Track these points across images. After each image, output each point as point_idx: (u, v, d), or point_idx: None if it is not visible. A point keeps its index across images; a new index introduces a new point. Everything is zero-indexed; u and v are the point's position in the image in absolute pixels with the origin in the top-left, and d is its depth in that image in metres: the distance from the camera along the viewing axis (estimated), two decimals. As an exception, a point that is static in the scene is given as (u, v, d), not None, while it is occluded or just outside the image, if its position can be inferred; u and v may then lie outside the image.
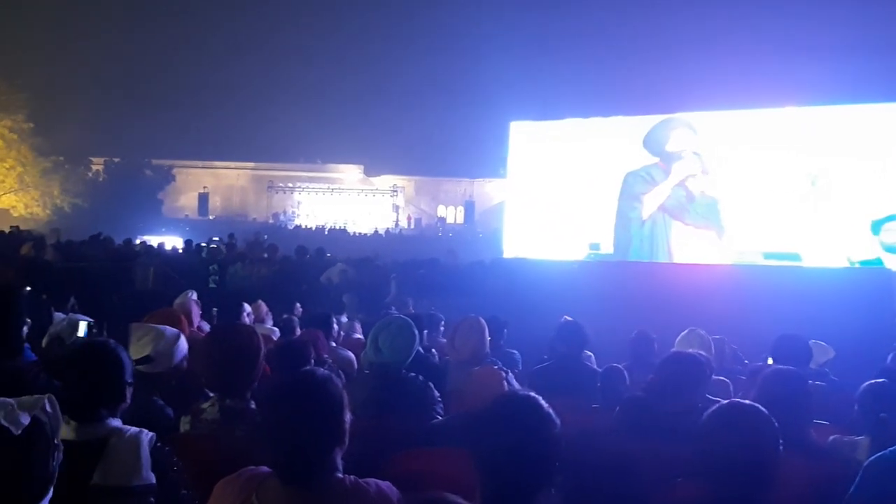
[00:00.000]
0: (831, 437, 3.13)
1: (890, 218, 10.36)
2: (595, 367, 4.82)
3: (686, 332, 5.03)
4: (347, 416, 1.92)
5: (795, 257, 10.30)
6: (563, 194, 12.55)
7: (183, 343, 3.16)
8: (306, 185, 36.92)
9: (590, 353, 5.20)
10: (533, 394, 1.90)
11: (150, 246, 14.95)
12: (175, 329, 3.23)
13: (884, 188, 10.48)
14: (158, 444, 2.16)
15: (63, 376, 2.30)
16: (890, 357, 4.85)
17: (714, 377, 4.17)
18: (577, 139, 12.69)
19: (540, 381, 4.32)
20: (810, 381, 4.24)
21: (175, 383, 3.12)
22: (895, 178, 10.48)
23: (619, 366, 4.28)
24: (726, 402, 2.10)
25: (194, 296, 5.21)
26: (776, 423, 1.98)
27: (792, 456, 2.45)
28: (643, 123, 12.39)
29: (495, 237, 15.35)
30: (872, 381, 3.17)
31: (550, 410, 1.84)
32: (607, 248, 12.24)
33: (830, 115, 11.08)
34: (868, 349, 6.05)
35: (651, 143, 11.84)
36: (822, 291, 8.67)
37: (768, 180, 11.04)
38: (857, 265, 10.21)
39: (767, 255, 10.45)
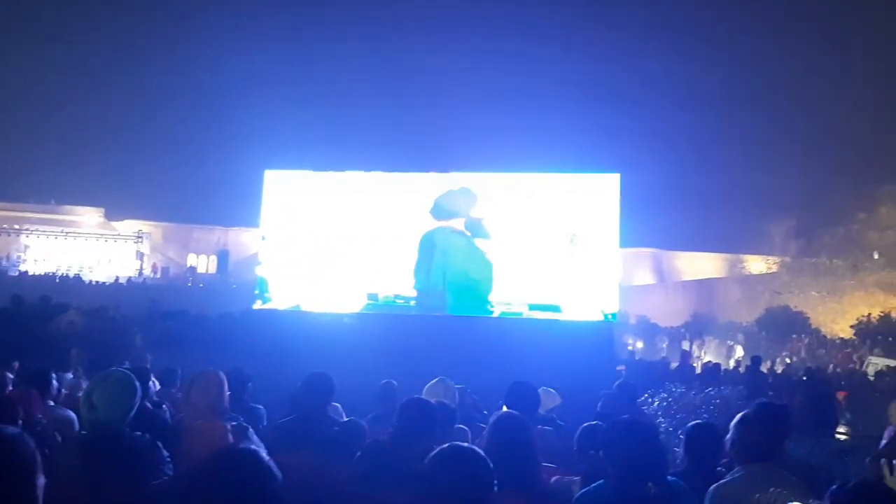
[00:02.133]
0: (554, 478, 3.36)
1: None
2: (342, 419, 4.78)
3: (435, 380, 5.20)
4: (40, 480, 1.70)
5: (556, 308, 11.26)
6: (320, 246, 12.53)
7: None
8: (36, 227, 33.39)
9: (337, 405, 5.16)
10: (253, 447, 1.82)
11: None
12: None
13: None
14: None
15: None
16: (600, 403, 5.35)
17: (457, 425, 4.35)
18: (334, 191, 12.79)
19: (283, 436, 4.19)
20: (539, 426, 4.57)
21: None
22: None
23: (359, 420, 4.29)
24: (446, 445, 2.17)
25: None
26: (491, 465, 2.07)
27: (517, 496, 2.59)
28: (403, 180, 12.81)
29: (250, 288, 14.88)
30: (587, 423, 3.47)
31: (271, 464, 1.77)
32: (385, 298, 12.36)
33: (582, 181, 12.21)
34: (594, 394, 6.65)
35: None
36: (552, 342, 9.47)
37: (533, 238, 11.87)
38: (610, 317, 11.40)
39: (532, 307, 11.33)
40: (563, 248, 11.75)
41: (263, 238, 13.11)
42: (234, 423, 3.76)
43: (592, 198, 11.83)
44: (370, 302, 12.21)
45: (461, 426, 4.59)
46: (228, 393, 4.10)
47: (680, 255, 48.63)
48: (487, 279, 11.84)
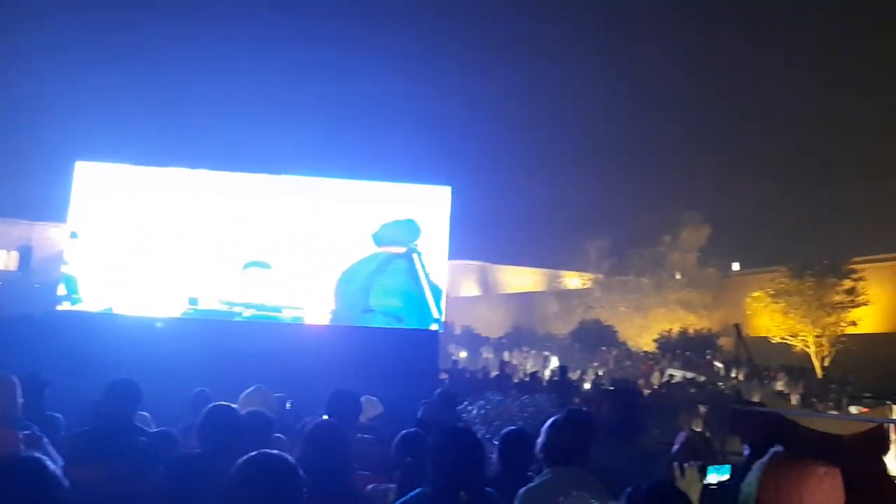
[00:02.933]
0: (370, 486, 3.37)
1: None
2: (150, 428, 4.53)
3: (252, 388, 5.06)
4: None
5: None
6: (137, 245, 11.80)
7: None
8: None
9: (145, 414, 4.89)
10: (38, 455, 1.69)
11: None
12: None
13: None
14: None
15: None
16: (421, 410, 5.45)
17: (275, 434, 4.26)
18: (153, 188, 12.11)
19: (83, 446, 3.91)
20: (358, 435, 4.58)
21: None
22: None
23: (170, 430, 4.10)
24: (254, 452, 2.12)
25: None
26: (301, 472, 2.05)
27: (330, 502, 2.58)
28: (229, 179, 12.37)
29: (54, 288, 13.75)
30: (405, 431, 3.52)
31: (56, 472, 1.65)
32: (208, 303, 11.79)
33: (415, 192, 12.36)
34: (416, 403, 6.75)
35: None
36: (379, 350, 9.53)
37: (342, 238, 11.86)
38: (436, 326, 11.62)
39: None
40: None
41: (73, 234, 12.18)
42: (27, 432, 3.47)
43: (424, 209, 12.03)
44: (191, 307, 11.68)
45: (279, 435, 4.50)
46: (22, 400, 3.77)
47: (504, 269, 50.58)
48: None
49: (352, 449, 3.20)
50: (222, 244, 11.88)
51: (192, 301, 11.82)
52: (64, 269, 12.33)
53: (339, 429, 3.14)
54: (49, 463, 1.65)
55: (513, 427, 4.28)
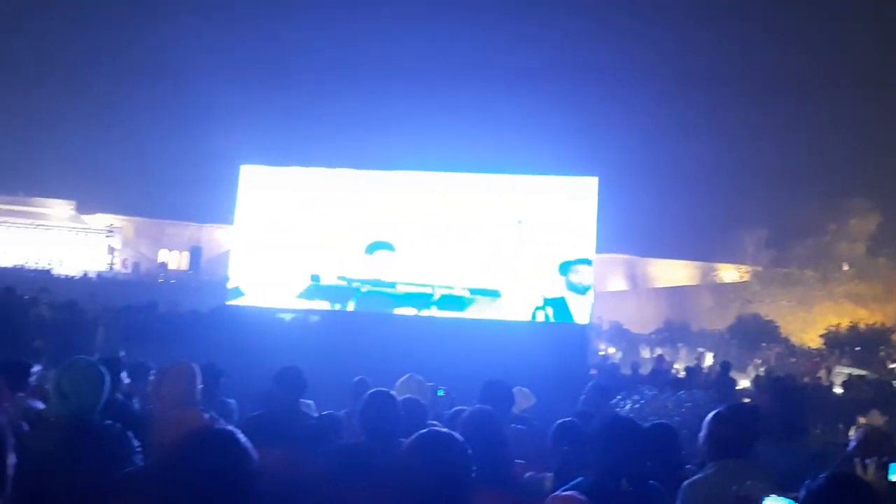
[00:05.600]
0: (527, 474, 3.37)
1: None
2: (314, 414, 4.76)
3: (405, 377, 5.20)
4: (11, 459, 1.67)
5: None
6: (297, 243, 12.44)
7: None
8: (5, 219, 32.84)
9: (309, 402, 5.13)
10: (230, 427, 1.81)
11: None
12: None
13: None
14: None
15: None
16: (581, 400, 5.37)
17: (428, 422, 4.34)
18: (314, 188, 12.72)
19: (254, 430, 4.15)
20: (512, 425, 4.58)
21: None
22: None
23: (337, 413, 4.26)
24: (425, 430, 2.16)
25: None
26: (470, 452, 2.07)
27: (490, 489, 2.59)
28: (379, 178, 12.78)
29: (221, 285, 14.75)
30: (562, 420, 3.48)
31: (248, 445, 1.76)
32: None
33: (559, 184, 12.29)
34: (565, 396, 6.68)
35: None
36: (527, 343, 9.51)
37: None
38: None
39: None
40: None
41: (238, 235, 13.03)
42: (206, 415, 3.72)
43: (570, 201, 11.87)
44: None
45: (433, 422, 4.58)
46: (200, 386, 4.06)
47: (654, 262, 49.03)
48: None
49: (508, 437, 3.20)
50: (370, 237, 12.31)
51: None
52: (230, 266, 13.21)
53: (495, 416, 3.16)
54: (241, 436, 1.77)
55: (659, 421, 4.14)
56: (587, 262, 11.77)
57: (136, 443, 3.14)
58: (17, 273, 25.75)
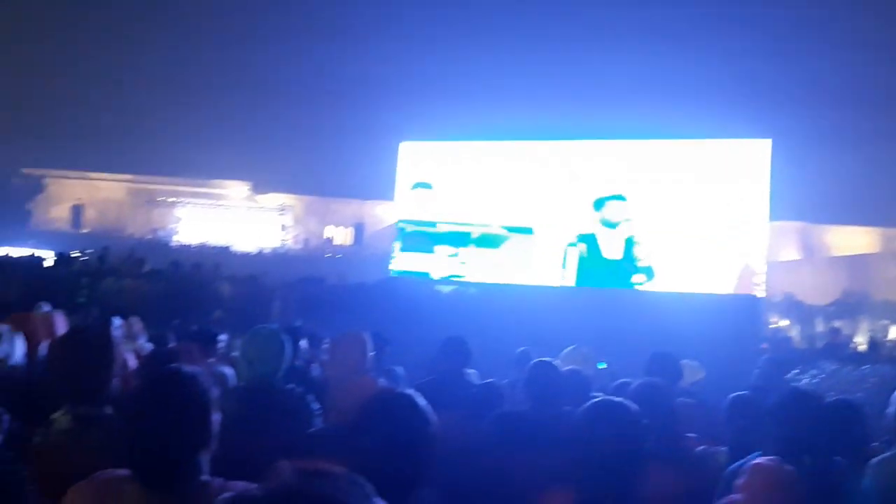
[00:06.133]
0: (699, 448, 3.27)
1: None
2: (477, 383, 4.84)
3: (570, 348, 5.19)
4: (216, 417, 1.82)
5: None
6: (456, 218, 12.65)
7: (20, 341, 2.99)
8: (189, 200, 35.69)
9: (472, 371, 5.23)
10: (410, 391, 1.88)
11: (12, 257, 14.04)
12: (6, 326, 3.06)
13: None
14: None
15: None
16: (755, 374, 5.13)
17: (592, 394, 4.31)
18: (470, 161, 12.85)
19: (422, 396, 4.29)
20: (680, 399, 4.44)
21: (27, 393, 2.90)
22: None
23: (499, 382, 4.32)
24: (599, 398, 2.14)
25: (48, 308, 4.90)
26: (644, 421, 2.03)
27: (663, 461, 2.53)
28: (540, 148, 12.70)
29: (384, 258, 15.31)
30: (737, 393, 3.34)
31: (427, 408, 1.82)
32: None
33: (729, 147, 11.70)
34: (736, 370, 6.39)
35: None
36: (695, 315, 9.15)
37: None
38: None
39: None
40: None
41: (398, 211, 13.43)
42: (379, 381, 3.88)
43: (741, 166, 11.23)
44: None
45: (597, 394, 4.54)
46: (372, 354, 4.25)
47: (831, 229, 45.59)
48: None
49: (677, 409, 3.12)
50: (529, 212, 12.27)
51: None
52: (392, 241, 13.67)
53: (665, 389, 3.08)
54: (420, 399, 1.84)
55: (842, 396, 3.85)
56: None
57: (315, 406, 3.33)
58: (200, 250, 27.97)
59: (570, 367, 4.34)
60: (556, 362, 3.78)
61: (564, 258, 11.89)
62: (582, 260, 11.79)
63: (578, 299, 11.12)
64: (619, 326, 9.12)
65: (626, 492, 1.92)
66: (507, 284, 12.05)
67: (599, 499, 1.90)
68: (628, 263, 11.52)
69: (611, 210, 11.65)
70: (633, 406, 2.06)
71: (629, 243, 11.55)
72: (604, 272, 11.72)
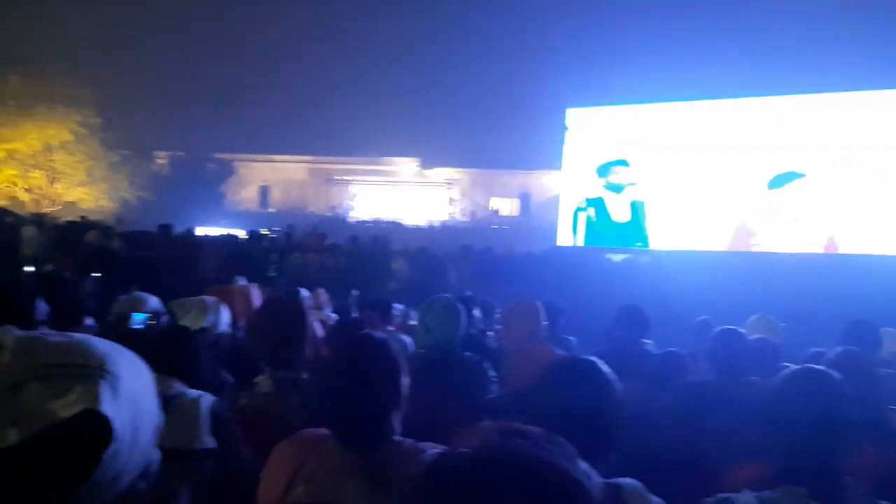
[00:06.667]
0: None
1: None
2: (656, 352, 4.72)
3: (755, 316, 4.94)
4: (405, 380, 1.91)
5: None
6: (623, 181, 12.33)
7: (226, 311, 3.25)
8: (363, 178, 37.27)
9: (649, 341, 5.10)
10: (592, 357, 1.86)
11: (215, 236, 15.32)
12: (213, 297, 3.34)
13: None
14: (218, 409, 2.18)
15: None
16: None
17: (781, 363, 4.07)
18: (637, 125, 12.46)
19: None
20: (881, 369, 4.10)
21: (233, 358, 3.17)
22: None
23: (680, 351, 4.18)
24: (799, 367, 2.01)
25: (244, 281, 5.30)
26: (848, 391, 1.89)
27: (868, 433, 2.36)
28: (710, 108, 12.11)
29: (551, 228, 15.23)
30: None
31: (611, 374, 1.80)
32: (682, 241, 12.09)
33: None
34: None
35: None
36: (891, 280, 8.40)
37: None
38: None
39: None
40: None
41: (565, 180, 13.26)
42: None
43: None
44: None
45: (786, 364, 4.29)
46: (545, 323, 4.26)
47: None
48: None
49: (880, 379, 2.88)
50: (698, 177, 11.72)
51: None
52: (559, 210, 13.55)
53: (865, 358, 2.86)
54: (603, 365, 1.83)
55: None
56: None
57: (492, 373, 3.39)
58: (375, 225, 29.19)
59: (756, 335, 4.13)
60: (742, 331, 3.61)
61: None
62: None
63: (756, 264, 10.55)
64: (805, 294, 8.55)
65: (828, 465, 1.80)
66: (679, 251, 11.65)
67: (797, 471, 1.79)
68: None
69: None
70: (837, 374, 1.92)
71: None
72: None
